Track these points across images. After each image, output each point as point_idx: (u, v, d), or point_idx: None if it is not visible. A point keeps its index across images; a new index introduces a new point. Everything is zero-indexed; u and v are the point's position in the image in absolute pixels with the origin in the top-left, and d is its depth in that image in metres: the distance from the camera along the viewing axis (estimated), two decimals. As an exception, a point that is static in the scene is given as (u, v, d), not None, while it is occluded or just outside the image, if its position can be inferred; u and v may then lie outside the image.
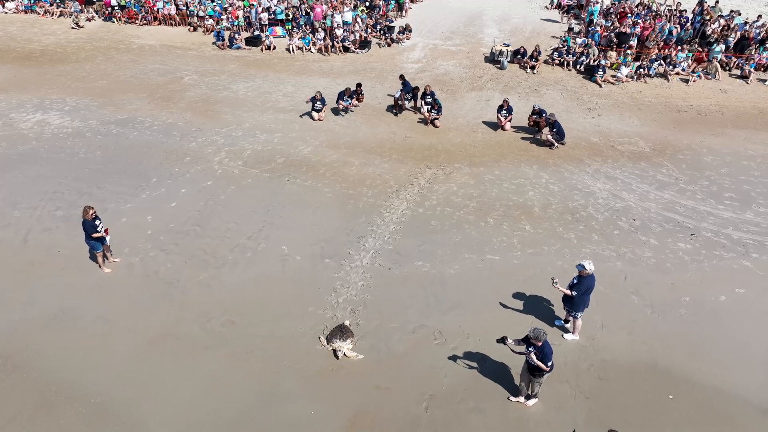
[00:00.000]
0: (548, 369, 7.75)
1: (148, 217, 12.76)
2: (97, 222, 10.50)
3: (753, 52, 21.70)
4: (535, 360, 7.66)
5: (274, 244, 11.86)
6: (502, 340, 8.02)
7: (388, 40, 25.04)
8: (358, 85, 18.71)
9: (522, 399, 8.38)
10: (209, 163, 15.11)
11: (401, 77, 18.75)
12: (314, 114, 17.67)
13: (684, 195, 13.68)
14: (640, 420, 8.11)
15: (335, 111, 18.19)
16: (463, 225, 12.51)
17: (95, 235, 10.44)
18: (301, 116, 17.98)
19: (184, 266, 11.23)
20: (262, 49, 24.71)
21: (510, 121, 17.10)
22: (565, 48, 22.97)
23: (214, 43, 25.27)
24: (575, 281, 8.98)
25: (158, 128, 17.15)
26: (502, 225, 12.51)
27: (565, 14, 28.08)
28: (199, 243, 11.90)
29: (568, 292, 8.94)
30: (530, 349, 7.69)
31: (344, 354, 9.12)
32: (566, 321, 9.71)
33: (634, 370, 8.91)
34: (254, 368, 8.98)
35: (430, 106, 17.48)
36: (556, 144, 15.80)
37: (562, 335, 9.55)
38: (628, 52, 22.00)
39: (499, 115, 17.11)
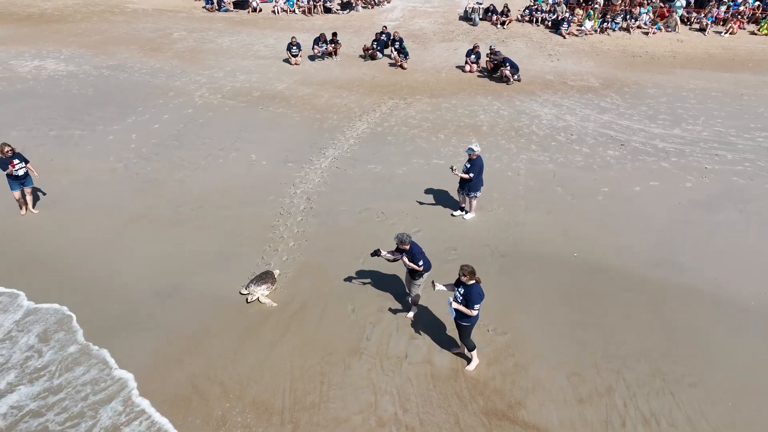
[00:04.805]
0: (420, 268, 7.90)
1: (132, 135, 14.12)
2: (15, 161, 10.42)
3: (712, 7, 22.85)
4: (408, 262, 7.90)
5: (243, 154, 13.20)
6: (376, 253, 8.14)
7: (371, 3, 26.31)
8: (334, 33, 19.97)
9: (412, 313, 8.51)
10: (191, 96, 16.47)
11: (384, 28, 20.15)
12: (291, 59, 18.98)
13: (622, 117, 14.94)
14: (546, 273, 9.33)
15: (311, 57, 19.51)
16: (415, 139, 13.82)
17: (6, 171, 10.44)
18: (279, 62, 19.30)
19: (161, 169, 12.59)
20: (248, 12, 26.03)
21: (477, 67, 18.33)
22: (536, 6, 24.17)
23: (203, 7, 26.64)
24: (468, 165, 10.14)
25: (146, 71, 18.52)
26: (451, 139, 13.81)
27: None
28: (176, 153, 13.26)
29: (466, 176, 10.14)
30: (402, 254, 7.96)
31: (258, 299, 8.65)
32: (462, 209, 10.84)
33: (547, 238, 10.18)
34: (216, 237, 10.29)
35: (398, 51, 18.80)
36: (512, 79, 17.05)
37: (463, 216, 10.79)
38: (595, 6, 23.21)
39: (468, 59, 18.33)
